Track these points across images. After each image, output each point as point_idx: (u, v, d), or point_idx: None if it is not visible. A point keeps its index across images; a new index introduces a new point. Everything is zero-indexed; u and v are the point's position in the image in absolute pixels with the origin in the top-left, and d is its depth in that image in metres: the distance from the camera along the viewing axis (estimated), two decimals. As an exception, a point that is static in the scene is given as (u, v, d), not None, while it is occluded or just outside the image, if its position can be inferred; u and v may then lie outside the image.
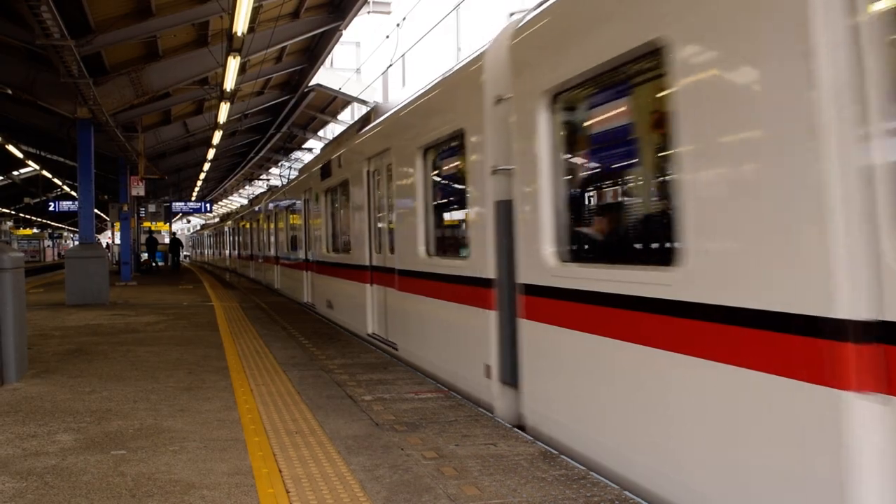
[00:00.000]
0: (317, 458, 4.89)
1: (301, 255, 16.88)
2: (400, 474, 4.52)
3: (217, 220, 62.25)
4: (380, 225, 9.89)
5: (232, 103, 19.88)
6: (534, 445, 5.13)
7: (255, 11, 14.93)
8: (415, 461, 4.78)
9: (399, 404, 6.42)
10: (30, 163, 30.36)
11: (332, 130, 35.11)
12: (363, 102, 28.23)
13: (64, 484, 4.45)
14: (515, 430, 5.57)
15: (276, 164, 46.59)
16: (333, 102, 30.85)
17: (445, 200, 8.00)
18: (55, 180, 37.00)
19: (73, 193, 38.28)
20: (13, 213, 59.48)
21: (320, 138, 36.25)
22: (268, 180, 51.78)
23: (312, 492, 4.23)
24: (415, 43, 28.10)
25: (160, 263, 41.83)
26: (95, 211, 21.33)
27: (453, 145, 7.26)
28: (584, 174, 5.47)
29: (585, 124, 5.28)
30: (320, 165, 14.17)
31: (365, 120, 11.48)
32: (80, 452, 5.12)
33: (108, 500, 4.17)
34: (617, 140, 5.01)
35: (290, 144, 39.95)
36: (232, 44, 13.69)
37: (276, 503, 4.06)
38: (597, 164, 5.40)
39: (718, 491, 3.58)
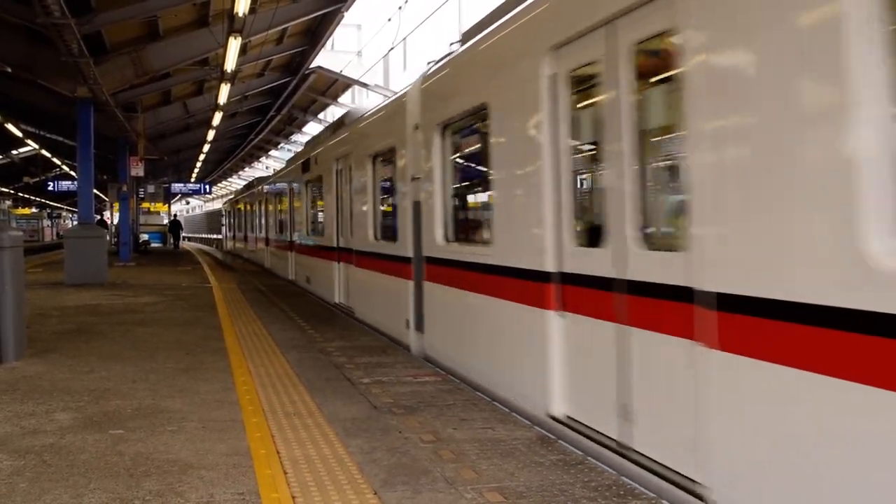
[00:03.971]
0: (315, 440, 4.89)
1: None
2: (398, 457, 4.52)
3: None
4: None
5: (232, 84, 19.81)
6: (531, 430, 5.13)
7: (257, -8, 14.86)
8: (413, 444, 4.79)
9: (397, 387, 6.43)
10: (29, 142, 30.27)
11: (332, 113, 35.00)
12: (364, 85, 28.13)
13: (62, 462, 4.46)
14: (513, 414, 5.58)
15: (276, 146, 46.50)
16: (334, 85, 30.71)
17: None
18: (54, 160, 36.90)
19: (73, 173, 38.23)
20: (12, 192, 59.33)
21: (321, 121, 36.13)
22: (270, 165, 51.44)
23: (310, 473, 4.24)
24: (417, 26, 27.96)
25: (156, 244, 41.78)
26: (94, 191, 21.29)
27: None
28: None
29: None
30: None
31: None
32: (78, 431, 5.13)
33: (106, 479, 4.18)
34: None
35: (291, 127, 39.83)
36: (233, 24, 13.62)
37: (273, 484, 4.07)
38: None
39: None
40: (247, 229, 30.26)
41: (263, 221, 24.19)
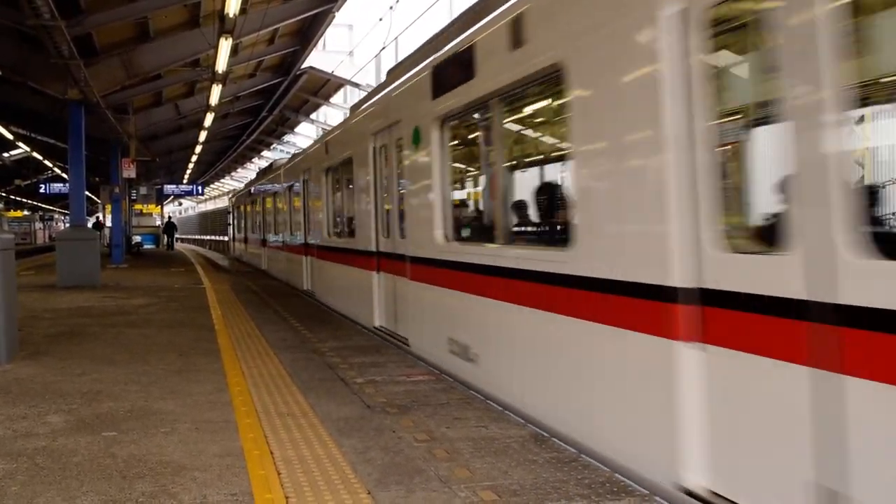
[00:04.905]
0: (308, 440, 4.89)
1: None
2: (391, 456, 4.52)
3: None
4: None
5: (224, 85, 19.74)
6: (525, 428, 5.13)
7: (248, -8, 14.84)
8: (406, 443, 4.78)
9: (391, 387, 6.43)
10: (20, 144, 30.12)
11: (324, 113, 34.97)
12: (356, 85, 28.10)
13: (54, 465, 4.44)
14: (507, 412, 5.58)
15: (268, 146, 46.41)
16: (326, 85, 30.69)
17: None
18: (46, 162, 36.74)
19: (65, 175, 38.09)
20: (3, 195, 59.08)
21: (313, 121, 36.11)
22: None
23: (304, 473, 4.23)
24: (408, 26, 27.98)
25: (148, 246, 41.68)
26: (87, 193, 21.22)
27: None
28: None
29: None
30: None
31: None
32: (70, 434, 5.11)
33: (99, 481, 4.16)
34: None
35: (283, 127, 39.79)
36: (224, 25, 13.58)
37: (267, 485, 4.06)
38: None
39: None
40: (266, 230, 21.38)
41: (300, 219, 15.12)
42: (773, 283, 3.19)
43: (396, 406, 5.76)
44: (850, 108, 2.93)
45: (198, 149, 34.83)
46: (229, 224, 34.48)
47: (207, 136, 30.29)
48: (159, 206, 48.22)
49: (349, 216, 11.57)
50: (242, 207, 28.37)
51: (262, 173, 23.44)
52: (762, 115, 3.67)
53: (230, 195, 38.80)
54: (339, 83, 29.40)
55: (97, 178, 33.81)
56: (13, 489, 4.05)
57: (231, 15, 12.98)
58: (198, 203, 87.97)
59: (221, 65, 16.63)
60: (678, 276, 3.71)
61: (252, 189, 25.24)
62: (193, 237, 67.19)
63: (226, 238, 46.26)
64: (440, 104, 6.91)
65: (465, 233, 7.26)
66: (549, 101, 5.79)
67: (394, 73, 9.15)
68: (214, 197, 79.88)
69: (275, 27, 20.23)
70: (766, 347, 3.27)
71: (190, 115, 28.44)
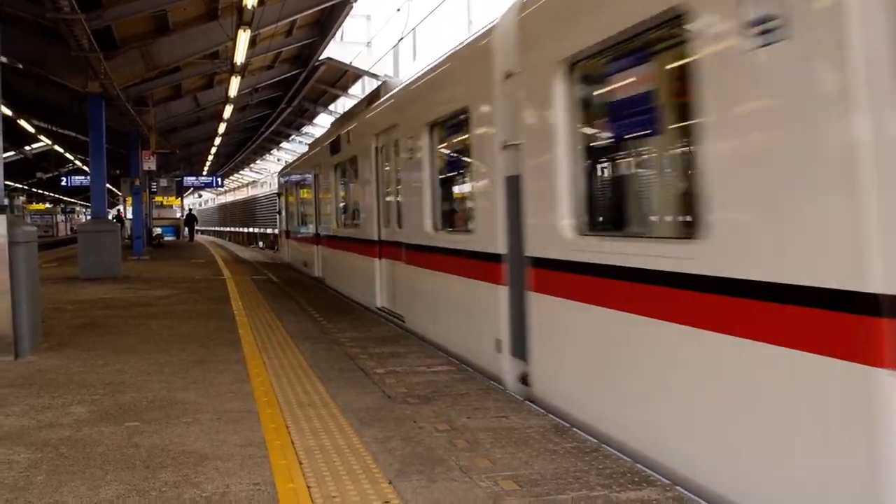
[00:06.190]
0: (329, 430, 4.90)
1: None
2: (412, 446, 4.53)
3: None
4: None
5: (242, 77, 19.78)
6: (545, 418, 5.12)
7: (266, -16, 14.84)
8: (427, 433, 4.79)
9: (411, 377, 6.43)
10: (42, 137, 30.39)
11: (343, 104, 34.95)
12: (374, 76, 28.06)
13: (79, 455, 4.49)
14: (527, 402, 5.57)
15: (287, 138, 46.52)
16: (344, 76, 30.67)
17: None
18: (67, 155, 37.05)
19: (85, 168, 38.40)
20: (26, 187, 59.62)
21: (331, 112, 36.11)
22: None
23: (325, 463, 4.24)
24: (426, 16, 27.81)
25: (169, 238, 42.01)
26: (108, 185, 21.38)
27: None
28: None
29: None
30: None
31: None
32: (94, 424, 5.15)
33: (123, 470, 4.20)
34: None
35: (302, 119, 39.85)
36: (242, 17, 13.60)
37: (288, 475, 4.08)
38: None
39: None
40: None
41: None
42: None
43: (417, 396, 5.77)
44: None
45: (217, 141, 34.94)
46: (279, 212, 24.73)
47: (226, 128, 30.38)
48: (179, 198, 48.51)
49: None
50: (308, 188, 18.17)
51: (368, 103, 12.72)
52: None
53: (280, 171, 26.28)
54: (357, 74, 29.35)
55: (118, 171, 34.03)
56: (39, 478, 4.09)
57: (249, 6, 12.99)
58: (217, 195, 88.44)
59: (240, 57, 16.66)
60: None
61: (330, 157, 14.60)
62: (213, 229, 67.58)
63: (252, 230, 44.25)
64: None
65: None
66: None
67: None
68: (234, 189, 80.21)
69: (293, 18, 20.22)
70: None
71: (209, 108, 28.53)
